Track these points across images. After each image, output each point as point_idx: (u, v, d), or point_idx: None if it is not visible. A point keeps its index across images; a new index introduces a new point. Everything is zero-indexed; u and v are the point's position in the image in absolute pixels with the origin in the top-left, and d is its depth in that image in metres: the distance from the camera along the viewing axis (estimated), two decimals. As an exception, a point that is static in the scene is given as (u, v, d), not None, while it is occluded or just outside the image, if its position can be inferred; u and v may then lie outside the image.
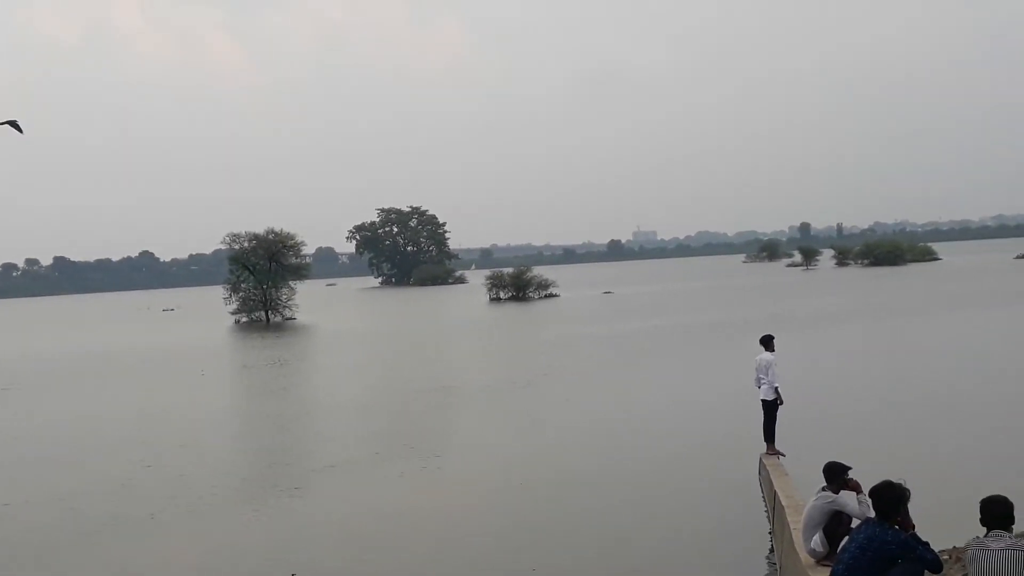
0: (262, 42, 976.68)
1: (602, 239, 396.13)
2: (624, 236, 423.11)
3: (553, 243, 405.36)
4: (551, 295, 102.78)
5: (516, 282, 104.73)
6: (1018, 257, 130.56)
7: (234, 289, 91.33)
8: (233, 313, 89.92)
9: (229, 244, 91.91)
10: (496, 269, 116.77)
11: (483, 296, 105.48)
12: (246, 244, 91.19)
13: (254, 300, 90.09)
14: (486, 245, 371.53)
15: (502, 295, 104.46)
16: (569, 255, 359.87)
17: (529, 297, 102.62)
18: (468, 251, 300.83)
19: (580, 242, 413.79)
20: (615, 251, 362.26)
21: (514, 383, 34.05)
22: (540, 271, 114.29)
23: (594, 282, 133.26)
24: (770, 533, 14.28)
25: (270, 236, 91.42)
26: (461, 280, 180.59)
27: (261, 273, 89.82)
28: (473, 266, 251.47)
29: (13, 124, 15.39)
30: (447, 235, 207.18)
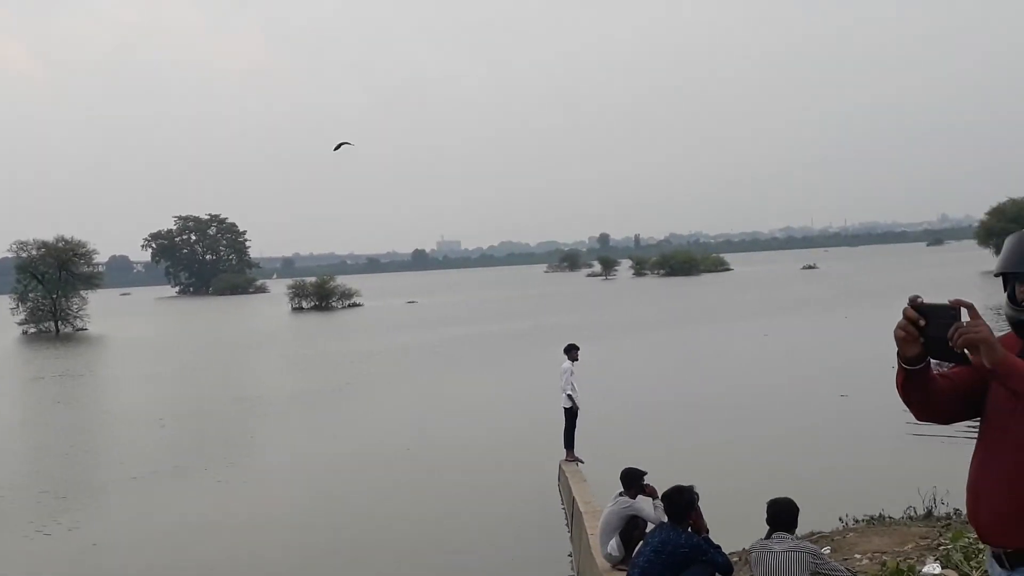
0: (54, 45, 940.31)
1: (406, 249, 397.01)
2: (428, 246, 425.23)
3: (357, 252, 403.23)
4: (355, 304, 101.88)
5: (319, 291, 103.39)
6: (804, 268, 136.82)
7: (21, 299, 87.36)
8: (20, 324, 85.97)
9: (16, 252, 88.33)
10: (298, 278, 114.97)
11: (285, 306, 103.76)
12: (34, 252, 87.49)
13: (43, 310, 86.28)
14: (288, 254, 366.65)
15: (304, 305, 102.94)
16: (373, 264, 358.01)
17: (332, 307, 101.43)
18: (270, 260, 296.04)
19: (384, 251, 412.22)
20: (420, 261, 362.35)
21: (316, 393, 33.56)
22: (344, 280, 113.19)
23: (399, 291, 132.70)
24: (569, 538, 14.48)
25: (59, 244, 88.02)
26: (262, 290, 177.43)
27: (50, 282, 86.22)
28: (275, 275, 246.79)
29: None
30: (248, 244, 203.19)
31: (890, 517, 12.73)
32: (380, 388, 34.37)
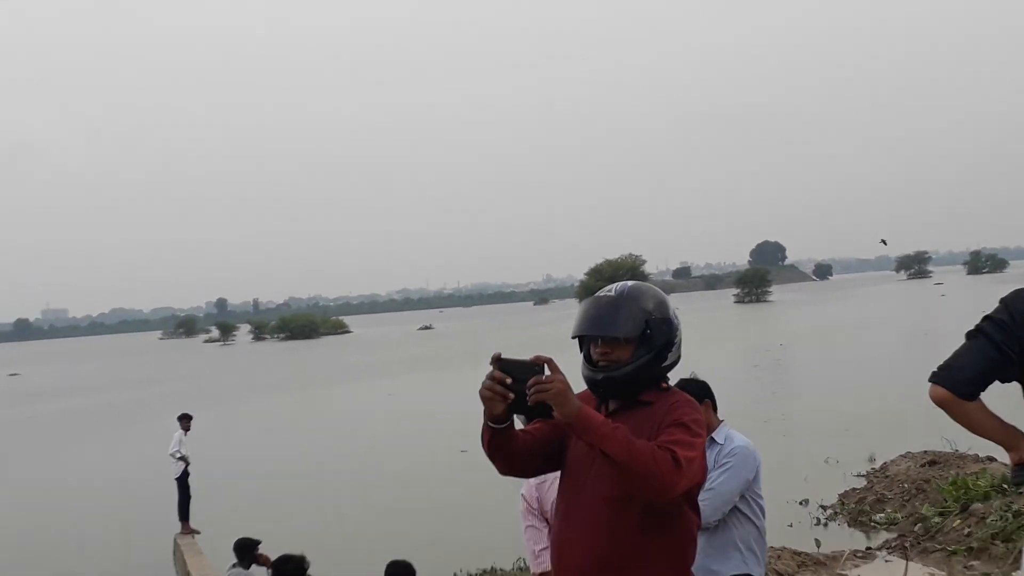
0: None
1: (8, 317, 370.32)
2: (32, 314, 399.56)
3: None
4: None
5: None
6: (421, 328, 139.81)
7: None
8: None
9: None
10: None
11: None
12: None
13: None
14: None
15: None
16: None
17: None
18: None
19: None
20: (23, 330, 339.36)
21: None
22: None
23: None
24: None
25: None
26: None
27: None
28: None
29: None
30: None
31: (502, 570, 13.18)
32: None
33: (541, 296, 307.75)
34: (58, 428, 42.61)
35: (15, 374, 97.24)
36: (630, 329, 3.50)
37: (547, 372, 3.24)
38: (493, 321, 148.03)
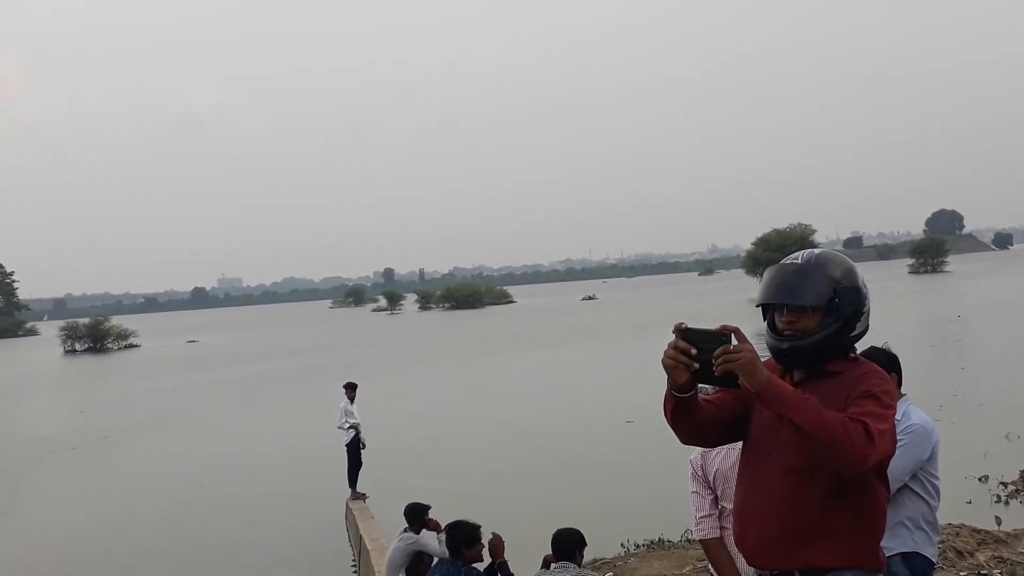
0: None
1: (185, 287, 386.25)
2: (209, 283, 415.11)
3: (133, 292, 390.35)
4: (132, 346, 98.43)
5: (93, 333, 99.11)
6: (584, 299, 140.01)
7: None
8: None
9: None
10: (71, 320, 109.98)
11: (57, 349, 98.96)
12: None
13: None
14: (60, 295, 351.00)
15: (78, 347, 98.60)
16: (151, 304, 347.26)
17: (108, 348, 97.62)
18: (40, 302, 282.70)
19: (162, 290, 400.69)
20: (200, 299, 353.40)
21: (91, 439, 32.19)
22: (120, 321, 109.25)
23: (178, 331, 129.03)
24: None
25: None
26: (33, 332, 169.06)
27: None
28: (46, 317, 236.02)
29: None
30: (15, 285, 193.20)
31: (669, 541, 13.09)
32: (159, 430, 33.20)
33: (706, 266, 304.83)
34: (233, 393, 44.25)
35: (193, 341, 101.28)
36: (817, 298, 3.43)
37: (734, 342, 3.19)
38: (657, 291, 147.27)
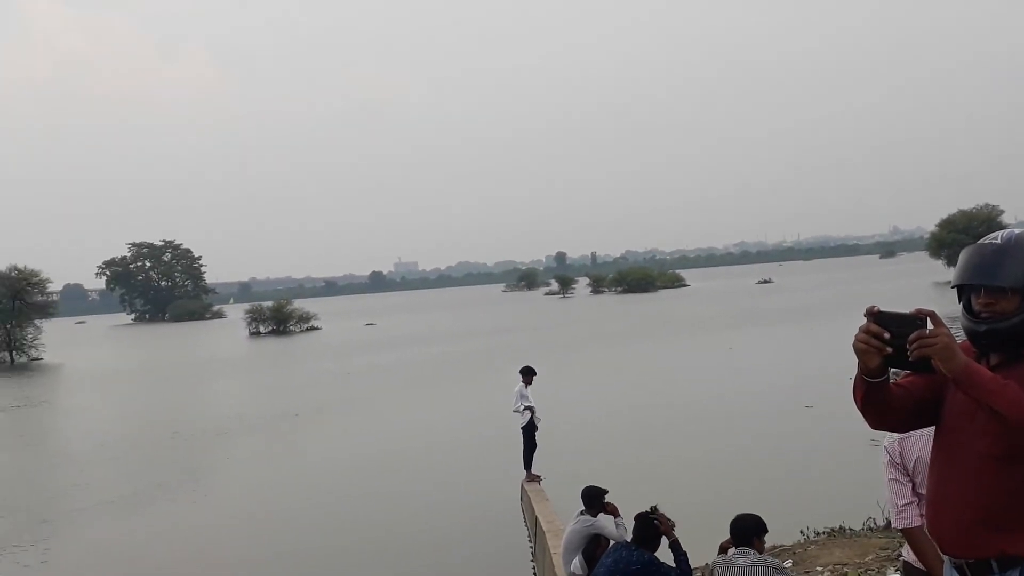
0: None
1: (363, 271, 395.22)
2: (386, 268, 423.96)
3: (314, 275, 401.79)
4: (313, 328, 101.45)
5: (276, 316, 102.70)
6: (759, 282, 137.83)
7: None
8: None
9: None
10: (255, 303, 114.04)
11: (242, 331, 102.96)
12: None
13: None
14: (244, 279, 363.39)
15: (262, 329, 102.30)
16: (331, 287, 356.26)
17: (290, 331, 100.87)
18: (226, 285, 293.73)
19: (341, 274, 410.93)
20: (377, 283, 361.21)
21: (279, 418, 33.33)
22: (301, 304, 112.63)
23: (357, 314, 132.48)
24: (532, 558, 14.42)
25: (12, 274, 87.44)
26: (219, 315, 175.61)
27: (4, 312, 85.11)
28: (231, 300, 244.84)
29: None
30: (203, 269, 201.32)
31: (851, 529, 12.80)
32: (342, 411, 34.18)
33: (888, 249, 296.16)
34: (411, 375, 45.13)
35: (371, 324, 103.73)
36: (1017, 279, 3.30)
37: (929, 326, 3.09)
38: (836, 275, 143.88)
